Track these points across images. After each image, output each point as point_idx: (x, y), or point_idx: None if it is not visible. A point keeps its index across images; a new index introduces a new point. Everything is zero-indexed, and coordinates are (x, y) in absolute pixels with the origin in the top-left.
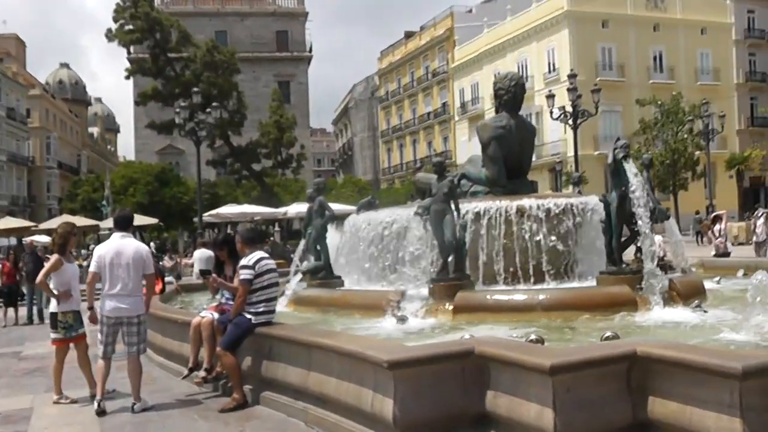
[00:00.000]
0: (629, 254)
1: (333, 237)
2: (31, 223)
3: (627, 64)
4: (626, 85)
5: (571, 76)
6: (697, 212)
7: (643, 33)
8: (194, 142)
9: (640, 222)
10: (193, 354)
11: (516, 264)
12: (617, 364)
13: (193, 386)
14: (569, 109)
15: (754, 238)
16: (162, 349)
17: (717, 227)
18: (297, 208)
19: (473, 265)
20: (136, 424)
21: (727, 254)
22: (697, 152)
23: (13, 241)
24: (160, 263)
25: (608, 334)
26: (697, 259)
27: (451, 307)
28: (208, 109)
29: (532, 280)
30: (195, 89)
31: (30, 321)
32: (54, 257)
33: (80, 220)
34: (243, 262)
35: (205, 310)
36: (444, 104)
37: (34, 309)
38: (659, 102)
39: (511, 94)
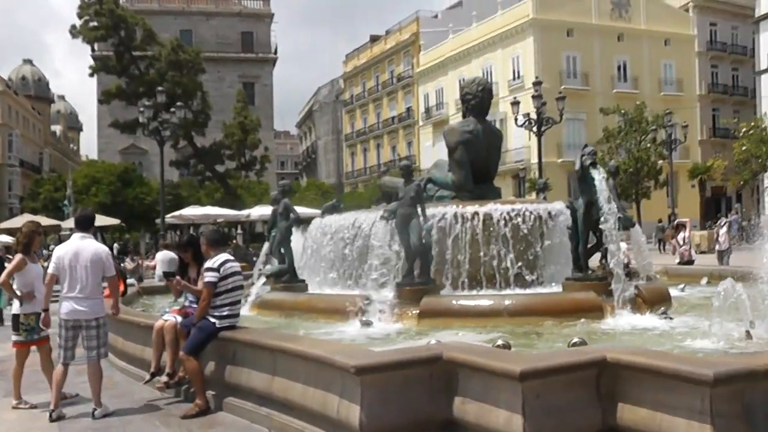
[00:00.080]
0: (594, 261)
1: (297, 240)
2: None
3: (591, 73)
4: (590, 93)
5: (536, 84)
6: (660, 221)
7: (607, 43)
8: (158, 142)
9: (606, 228)
10: (156, 358)
11: (482, 269)
12: (587, 371)
13: (155, 391)
14: (534, 116)
15: (717, 247)
16: (123, 353)
17: (681, 235)
18: (260, 211)
19: (439, 270)
20: (96, 430)
21: (691, 262)
22: (660, 161)
23: None
24: (122, 265)
25: (575, 340)
26: (661, 267)
27: (416, 312)
28: (172, 109)
29: (498, 285)
30: (159, 88)
31: None
32: (18, 257)
33: (42, 220)
34: (208, 264)
35: (168, 314)
36: (409, 109)
37: None
38: (623, 111)
39: (478, 99)
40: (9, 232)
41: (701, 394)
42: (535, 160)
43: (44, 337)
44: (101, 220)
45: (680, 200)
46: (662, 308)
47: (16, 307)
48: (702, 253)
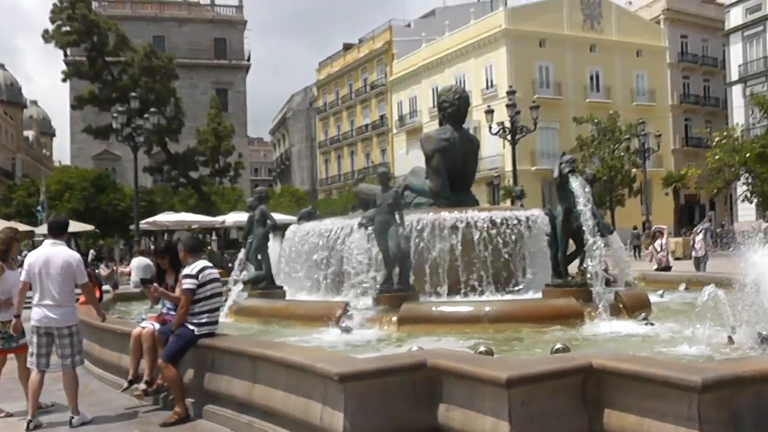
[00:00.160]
0: (572, 267)
1: (273, 247)
2: None
3: (564, 82)
4: (563, 103)
5: (510, 93)
6: (635, 227)
7: (579, 53)
8: (131, 148)
9: (586, 235)
10: (133, 366)
11: (462, 276)
12: (573, 377)
13: (134, 399)
14: (508, 124)
15: (694, 253)
16: (100, 360)
17: (658, 242)
18: (235, 217)
19: (418, 277)
20: None
21: (668, 268)
22: (634, 170)
23: None
24: (96, 271)
25: (558, 346)
26: (639, 273)
27: (396, 319)
28: (145, 115)
29: (477, 291)
30: (132, 94)
31: None
32: None
33: (15, 226)
34: (186, 271)
35: (145, 321)
36: (382, 117)
37: None
38: (596, 120)
39: (454, 107)
40: None
41: (689, 401)
42: (508, 167)
43: (22, 345)
44: (75, 226)
45: (654, 208)
46: (642, 314)
47: None
48: (677, 259)
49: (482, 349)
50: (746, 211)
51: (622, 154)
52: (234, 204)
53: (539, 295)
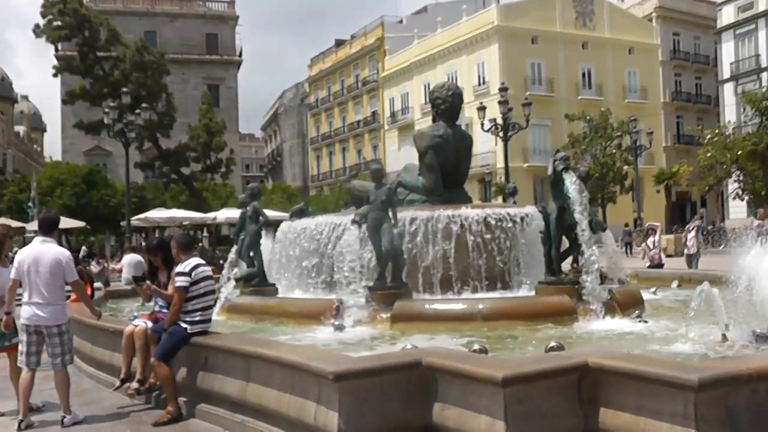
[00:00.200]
0: (565, 264)
1: (265, 244)
2: None
3: (556, 79)
4: (555, 100)
5: (503, 90)
6: (626, 224)
7: (571, 50)
8: (123, 144)
9: (580, 233)
10: (126, 364)
11: (455, 273)
12: (569, 376)
13: (126, 398)
14: (500, 121)
15: (686, 251)
16: (92, 358)
17: (650, 239)
18: (226, 214)
19: (412, 274)
20: None
21: (660, 265)
22: (625, 167)
23: None
24: (87, 268)
25: (553, 344)
26: (631, 270)
27: (389, 316)
28: (137, 110)
29: (470, 289)
30: (124, 89)
31: None
32: None
33: (6, 222)
34: (179, 268)
35: (137, 319)
36: (374, 113)
37: None
38: (588, 117)
39: (448, 103)
40: None
41: (685, 399)
42: (500, 164)
43: (15, 344)
44: (66, 223)
45: (645, 205)
46: (636, 312)
47: None
48: (669, 256)
49: (476, 347)
50: (737, 209)
51: (614, 151)
52: (225, 200)
53: (532, 292)
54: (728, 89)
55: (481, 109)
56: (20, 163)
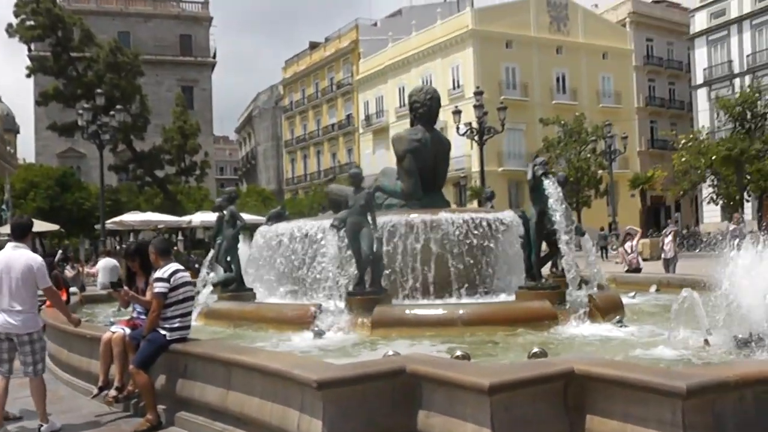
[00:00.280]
0: (544, 270)
1: (242, 248)
2: None
3: (530, 84)
4: (530, 104)
5: (478, 94)
6: (602, 228)
7: (546, 55)
8: (97, 146)
9: (560, 238)
10: (104, 372)
11: (434, 278)
12: (554, 383)
13: (104, 406)
14: (475, 125)
15: (663, 255)
16: (68, 365)
17: (628, 244)
18: (201, 217)
19: (391, 279)
20: None
21: (638, 270)
22: (600, 171)
23: None
24: (62, 273)
25: (536, 350)
26: (609, 275)
27: (369, 322)
28: (111, 112)
29: (450, 294)
30: (98, 91)
31: None
32: None
33: None
34: (158, 274)
35: (115, 325)
36: (348, 116)
37: None
38: (563, 122)
39: (426, 107)
40: None
41: (673, 406)
42: (475, 168)
43: None
44: (40, 226)
45: (620, 209)
46: (617, 317)
47: None
48: (645, 260)
49: (459, 353)
50: (711, 213)
51: (589, 155)
52: (200, 203)
53: (512, 297)
54: (701, 95)
55: (457, 112)
56: None
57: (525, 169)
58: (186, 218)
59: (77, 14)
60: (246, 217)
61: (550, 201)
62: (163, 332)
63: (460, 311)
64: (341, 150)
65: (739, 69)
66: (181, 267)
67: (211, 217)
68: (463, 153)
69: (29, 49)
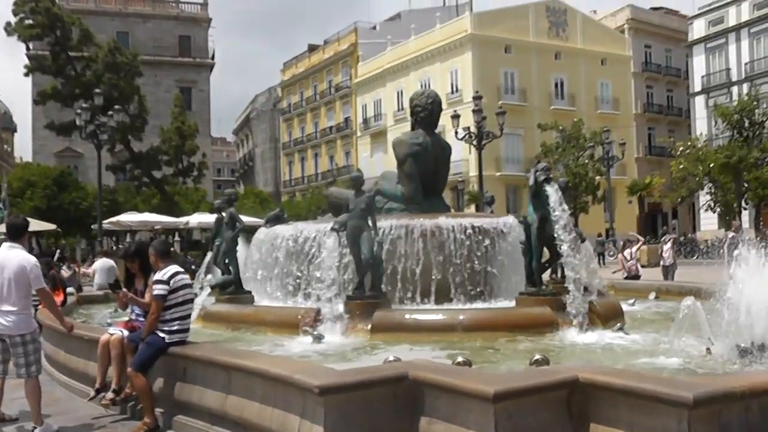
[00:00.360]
0: (544, 276)
1: (240, 250)
2: None
3: (529, 89)
4: (528, 109)
5: (477, 98)
6: (599, 234)
7: (545, 60)
8: (95, 146)
9: (563, 244)
10: (101, 374)
11: (434, 283)
12: (559, 391)
13: (100, 408)
14: (473, 129)
15: (662, 262)
16: (65, 366)
17: (627, 251)
18: (199, 218)
19: (390, 284)
20: None
21: (637, 277)
22: (597, 177)
23: None
24: (60, 272)
25: (538, 357)
26: (608, 281)
27: (368, 326)
28: (110, 112)
29: (450, 299)
30: (96, 90)
31: None
32: None
33: None
34: (157, 276)
35: (113, 327)
36: (346, 119)
37: None
38: (561, 127)
39: (427, 111)
40: None
41: (679, 416)
42: (473, 172)
43: None
44: (37, 225)
45: (617, 215)
46: (618, 324)
47: None
48: (643, 267)
49: (460, 359)
50: (708, 221)
51: (586, 161)
52: (197, 204)
53: (513, 303)
54: (699, 102)
55: (455, 117)
56: None
57: (523, 174)
58: (183, 219)
59: (76, 14)
60: (243, 218)
61: (552, 207)
62: (162, 335)
63: (461, 317)
64: (339, 153)
65: (737, 77)
66: (181, 269)
67: (208, 218)
68: (461, 157)
69: (28, 48)
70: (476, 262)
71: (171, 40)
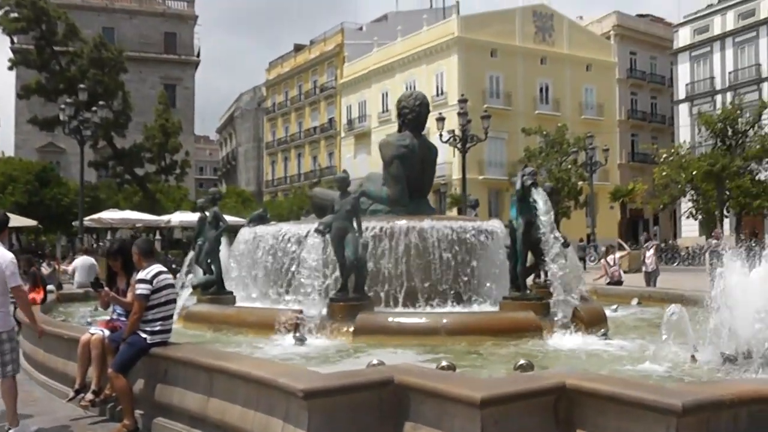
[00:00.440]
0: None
1: (222, 250)
2: None
3: (514, 93)
4: (512, 113)
5: (462, 101)
6: (581, 240)
7: (530, 65)
8: (78, 142)
9: (551, 248)
10: (81, 374)
11: (418, 286)
12: (546, 397)
13: (79, 409)
14: (458, 132)
15: (644, 268)
16: (44, 366)
17: (611, 257)
18: (180, 217)
19: (373, 286)
20: None
21: (620, 282)
22: (580, 182)
23: None
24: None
25: (522, 362)
26: (590, 287)
27: (351, 329)
28: (93, 108)
29: (434, 302)
30: (81, 86)
31: None
32: None
33: None
34: (140, 275)
35: (94, 326)
36: (331, 120)
37: None
38: (545, 132)
39: (415, 113)
40: None
41: (667, 423)
42: (456, 175)
43: None
44: (17, 221)
45: (599, 221)
46: (602, 330)
47: None
48: (624, 272)
49: (444, 363)
50: (689, 227)
51: (570, 166)
52: (179, 203)
53: (497, 307)
54: (683, 109)
55: (440, 119)
56: None
57: (506, 178)
58: (164, 218)
59: (62, 8)
60: (226, 218)
61: (540, 211)
62: (143, 335)
63: (444, 320)
64: (322, 153)
65: (721, 85)
66: (164, 269)
67: (189, 217)
68: (444, 160)
69: (12, 42)
70: (460, 265)
71: (157, 36)
